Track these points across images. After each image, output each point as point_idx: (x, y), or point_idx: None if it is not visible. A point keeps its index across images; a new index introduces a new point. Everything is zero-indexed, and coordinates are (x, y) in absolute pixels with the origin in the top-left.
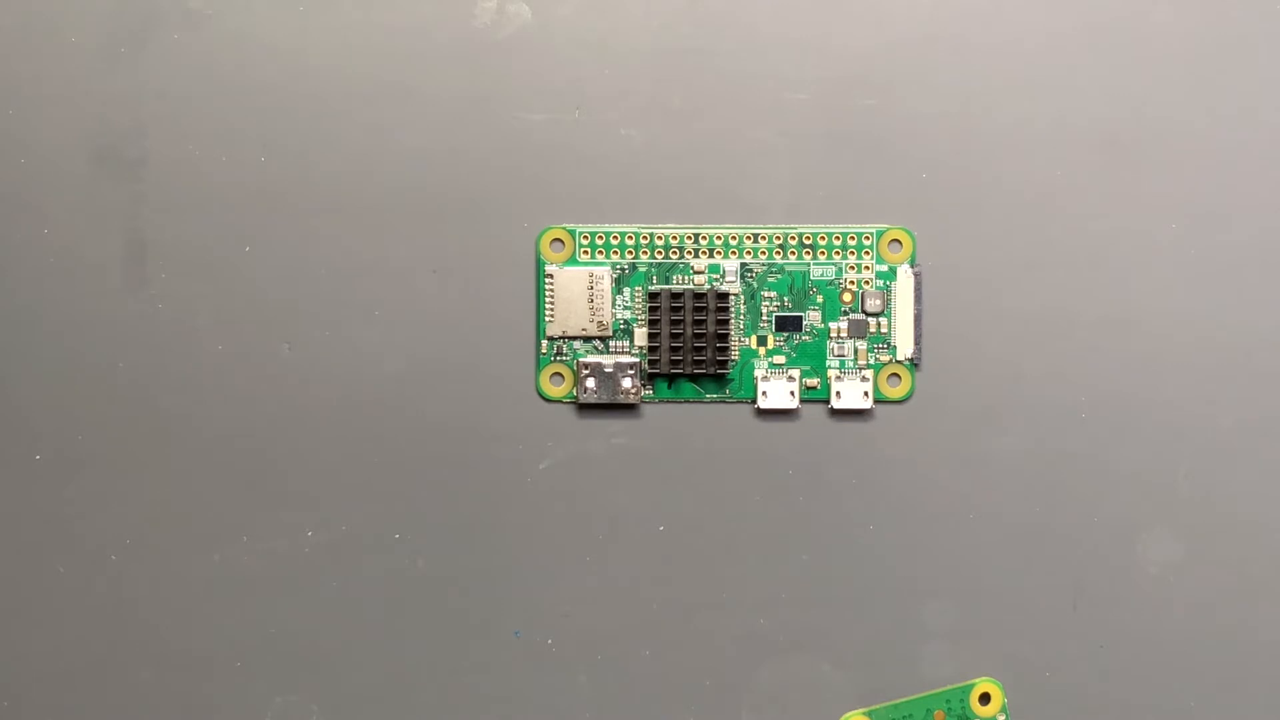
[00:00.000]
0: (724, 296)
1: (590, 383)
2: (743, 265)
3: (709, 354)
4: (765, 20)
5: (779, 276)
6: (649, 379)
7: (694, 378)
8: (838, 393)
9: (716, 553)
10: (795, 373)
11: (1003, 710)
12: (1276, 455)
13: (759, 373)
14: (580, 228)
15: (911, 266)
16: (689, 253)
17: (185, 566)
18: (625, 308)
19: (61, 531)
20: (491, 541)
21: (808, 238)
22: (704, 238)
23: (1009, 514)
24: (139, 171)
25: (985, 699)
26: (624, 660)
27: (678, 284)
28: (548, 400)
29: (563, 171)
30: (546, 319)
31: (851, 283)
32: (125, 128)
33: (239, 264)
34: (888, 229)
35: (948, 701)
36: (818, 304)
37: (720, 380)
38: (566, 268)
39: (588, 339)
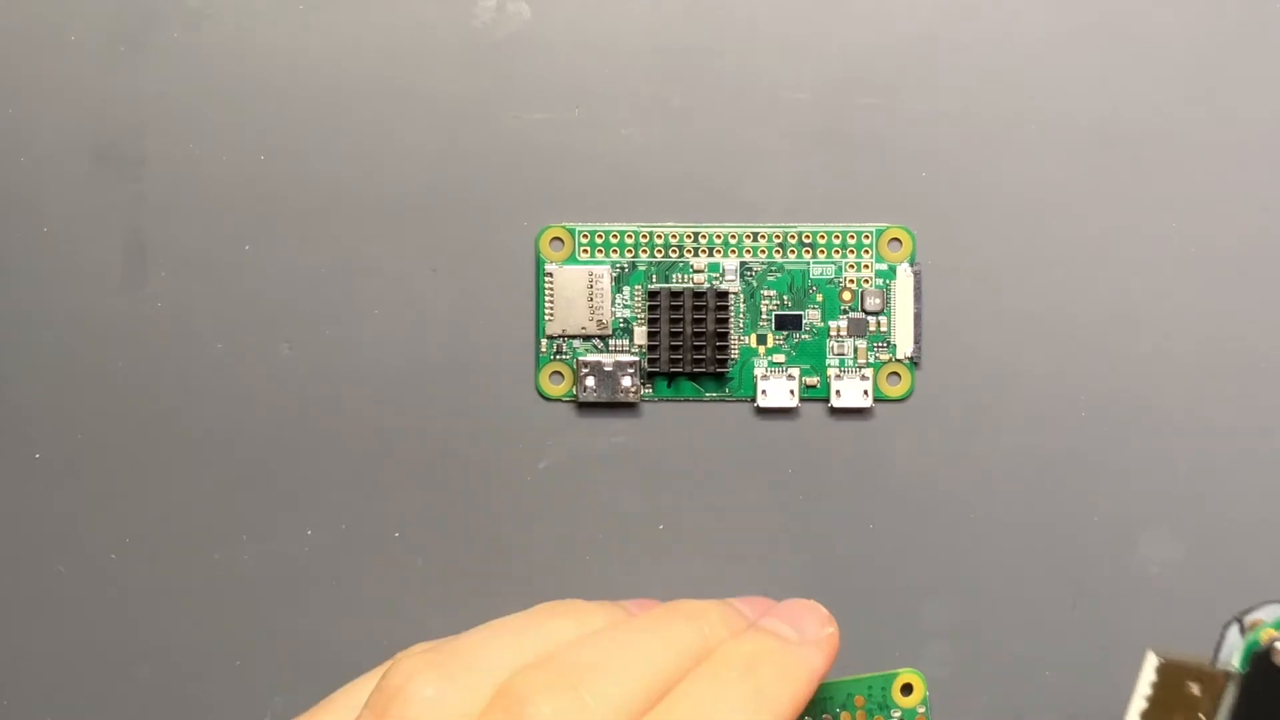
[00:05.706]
0: (724, 295)
1: (590, 381)
2: (742, 264)
3: (709, 353)
4: (765, 20)
5: (778, 275)
6: (648, 377)
7: (694, 376)
8: (837, 391)
9: (716, 552)
10: (795, 371)
11: (923, 703)
12: (1277, 455)
13: (759, 371)
14: (580, 226)
15: (911, 265)
16: (689, 251)
17: (185, 566)
18: (625, 306)
19: (61, 531)
20: (491, 541)
21: (807, 236)
22: (704, 236)
23: (1009, 514)
24: (139, 171)
25: (907, 689)
26: None
27: (677, 283)
28: (547, 399)
29: (563, 171)
30: (546, 318)
31: (851, 281)
32: (125, 127)
33: (239, 264)
34: (887, 227)
35: (869, 688)
36: (817, 303)
37: (720, 379)
38: (566, 266)
39: (587, 338)
